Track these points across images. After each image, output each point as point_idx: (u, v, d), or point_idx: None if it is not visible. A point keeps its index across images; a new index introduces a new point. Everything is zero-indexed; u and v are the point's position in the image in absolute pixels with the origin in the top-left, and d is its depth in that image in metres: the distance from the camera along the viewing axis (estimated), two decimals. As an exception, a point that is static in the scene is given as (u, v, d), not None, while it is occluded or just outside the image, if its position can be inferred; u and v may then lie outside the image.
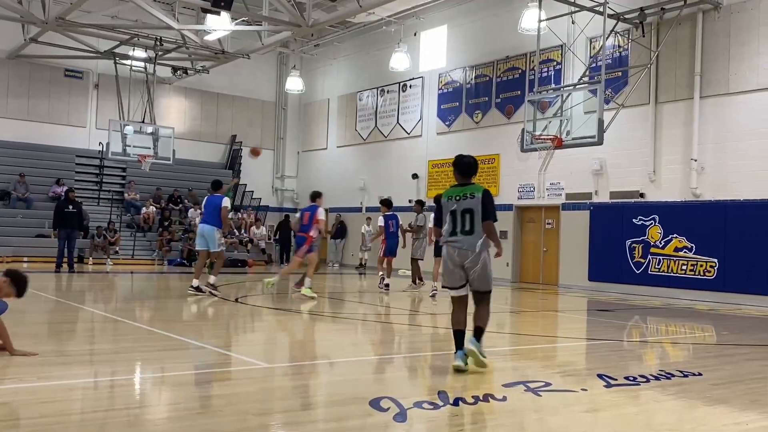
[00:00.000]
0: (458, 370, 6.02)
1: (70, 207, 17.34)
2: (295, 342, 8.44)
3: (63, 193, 19.52)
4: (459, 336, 6.27)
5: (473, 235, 6.27)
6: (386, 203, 15.19)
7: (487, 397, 5.13)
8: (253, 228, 25.08)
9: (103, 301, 12.40)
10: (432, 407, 4.78)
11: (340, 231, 25.38)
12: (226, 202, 11.76)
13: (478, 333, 6.28)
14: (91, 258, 20.75)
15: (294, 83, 25.87)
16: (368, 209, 24.14)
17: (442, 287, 7.45)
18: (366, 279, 18.55)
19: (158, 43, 21.18)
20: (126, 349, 7.19)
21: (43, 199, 22.43)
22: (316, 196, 12.65)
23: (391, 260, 14.90)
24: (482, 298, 6.46)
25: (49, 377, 5.65)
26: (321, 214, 12.30)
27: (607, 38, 16.02)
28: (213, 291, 11.96)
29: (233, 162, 27.55)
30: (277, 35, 20.68)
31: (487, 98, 20.67)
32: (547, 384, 5.70)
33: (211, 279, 12.15)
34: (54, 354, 6.84)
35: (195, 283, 11.95)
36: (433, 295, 13.44)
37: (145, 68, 22.95)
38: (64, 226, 17.08)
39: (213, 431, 4.17)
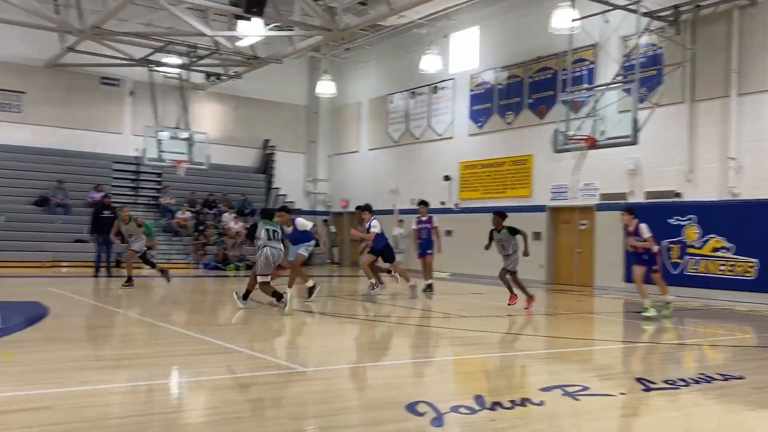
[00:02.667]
0: None
1: (107, 212, 17.64)
2: (330, 345, 8.47)
3: (100, 199, 19.87)
4: None
5: None
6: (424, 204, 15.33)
7: (524, 402, 5.10)
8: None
9: (140, 305, 12.58)
10: (469, 412, 4.77)
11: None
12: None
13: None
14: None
15: (325, 87, 26.00)
16: (401, 212, 24.15)
17: None
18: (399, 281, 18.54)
19: (192, 49, 21.46)
20: (164, 353, 7.30)
21: (81, 204, 22.86)
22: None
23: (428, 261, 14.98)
24: None
25: (89, 381, 5.77)
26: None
27: (641, 36, 15.81)
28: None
29: (266, 166, 27.80)
30: (308, 40, 20.80)
31: (519, 99, 20.54)
32: (585, 388, 5.64)
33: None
34: (94, 358, 6.98)
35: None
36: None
37: (180, 75, 23.25)
38: (101, 232, 17.38)
39: (251, 435, 4.21)
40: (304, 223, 11.73)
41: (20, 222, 21.46)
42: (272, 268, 10.91)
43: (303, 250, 11.73)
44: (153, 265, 15.34)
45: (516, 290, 12.19)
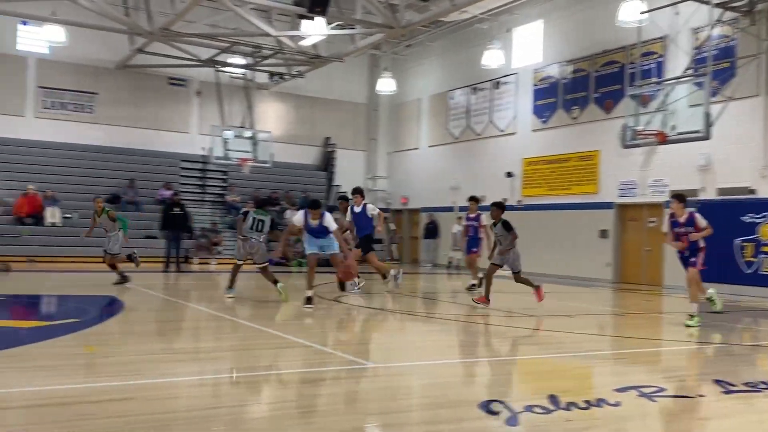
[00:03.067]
0: None
1: (176, 209, 18.11)
2: (393, 342, 8.50)
3: (169, 197, 20.42)
4: None
5: None
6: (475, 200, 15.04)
7: (600, 402, 5.01)
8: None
9: (207, 299, 12.87)
10: (543, 411, 4.71)
11: (432, 231, 25.39)
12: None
13: None
14: (196, 258, 21.60)
15: (385, 84, 26.07)
16: (461, 209, 24.03)
17: None
18: (458, 279, 18.46)
19: (256, 50, 21.81)
20: (234, 347, 7.45)
21: (151, 202, 23.53)
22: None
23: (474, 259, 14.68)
24: None
25: (167, 374, 5.94)
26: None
27: (713, 28, 15.30)
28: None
29: (327, 164, 28.06)
30: (369, 38, 20.88)
31: (585, 93, 20.15)
32: (662, 389, 5.51)
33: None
34: (170, 351, 7.18)
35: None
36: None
37: (244, 75, 23.67)
38: (170, 228, 17.85)
39: (326, 428, 4.26)
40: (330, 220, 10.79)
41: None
42: (244, 256, 11.48)
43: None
44: (130, 259, 14.60)
45: (484, 287, 11.42)
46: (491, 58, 22.09)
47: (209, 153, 22.80)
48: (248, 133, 22.91)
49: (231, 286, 11.61)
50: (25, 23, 21.33)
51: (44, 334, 7.52)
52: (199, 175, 25.50)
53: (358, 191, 13.32)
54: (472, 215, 14.64)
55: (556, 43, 21.34)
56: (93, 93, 24.03)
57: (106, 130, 24.13)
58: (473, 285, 14.34)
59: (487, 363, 7.16)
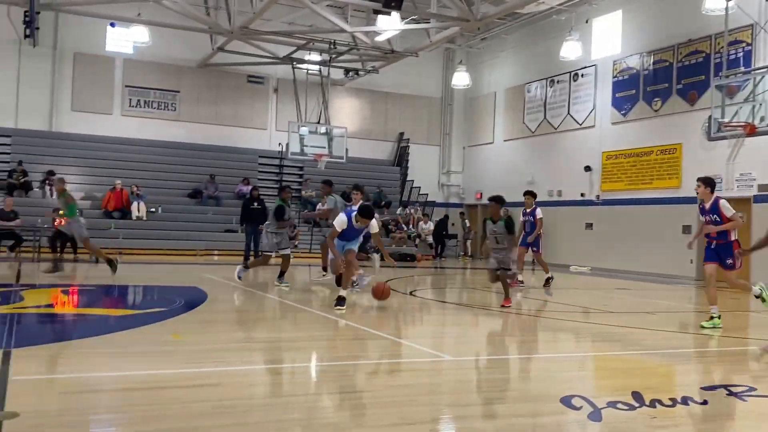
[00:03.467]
0: None
1: (255, 204, 18.52)
2: (468, 335, 8.47)
3: (248, 192, 20.92)
4: None
5: None
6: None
7: (686, 400, 4.87)
8: (421, 223, 25.46)
9: (286, 290, 13.12)
10: (627, 408, 4.62)
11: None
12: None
13: None
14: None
15: (460, 78, 25.90)
16: (538, 203, 23.64)
17: None
18: (532, 275, 18.23)
19: (332, 46, 22.08)
20: (314, 337, 7.59)
21: (230, 197, 24.19)
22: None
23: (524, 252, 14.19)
24: None
25: (251, 361, 6.13)
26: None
27: (807, 13, 14.56)
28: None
29: (401, 159, 28.13)
30: (444, 31, 20.82)
31: (667, 84, 19.50)
32: (752, 389, 5.31)
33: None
34: (253, 340, 7.38)
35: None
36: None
37: (320, 71, 24.00)
38: (250, 222, 18.29)
39: (408, 419, 4.30)
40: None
41: (175, 213, 23.02)
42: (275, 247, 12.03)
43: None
44: (55, 250, 14.15)
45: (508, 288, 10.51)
46: (569, 50, 21.67)
47: (286, 149, 23.22)
48: (323, 129, 23.22)
49: (281, 275, 12.15)
50: (113, 25, 22.22)
51: (133, 323, 7.85)
52: (275, 170, 26.03)
53: (358, 189, 12.27)
54: (528, 210, 14.23)
55: (635, 33, 20.73)
56: (175, 91, 24.85)
57: (188, 127, 24.91)
58: (549, 279, 14.15)
59: (566, 359, 7.06)
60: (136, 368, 5.45)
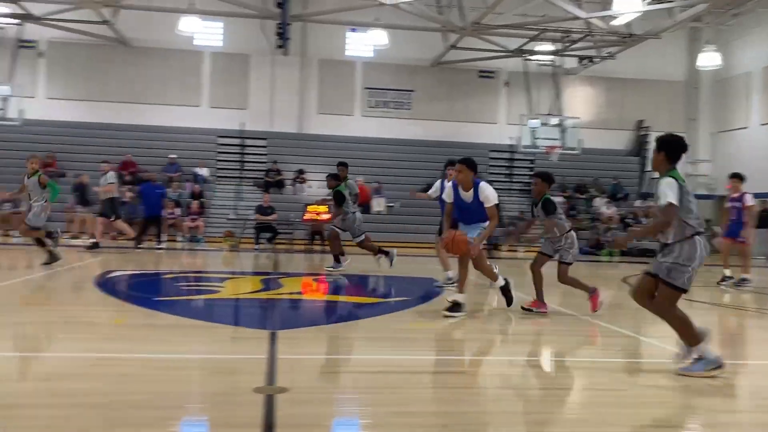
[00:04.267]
0: None
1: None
2: (719, 338, 7.81)
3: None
4: None
5: None
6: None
7: None
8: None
9: (518, 285, 13.06)
10: None
11: (766, 219, 22.64)
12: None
13: None
14: (505, 245, 22.03)
15: (708, 59, 23.86)
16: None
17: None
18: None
19: (565, 34, 21.53)
20: (551, 331, 7.49)
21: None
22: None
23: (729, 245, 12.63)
24: None
25: (489, 353, 6.22)
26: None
27: None
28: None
29: (639, 148, 26.59)
30: (690, 9, 19.34)
31: None
32: None
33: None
34: (484, 332, 7.47)
35: None
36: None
37: (552, 62, 23.53)
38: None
39: (660, 419, 4.12)
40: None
41: (411, 207, 23.96)
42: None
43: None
44: (42, 244, 11.67)
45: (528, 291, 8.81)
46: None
47: (517, 142, 23.11)
48: (555, 121, 22.74)
49: (337, 260, 12.16)
50: (354, 30, 23.71)
51: (380, 310, 8.34)
52: (506, 164, 25.98)
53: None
54: (735, 195, 12.39)
55: None
56: (410, 90, 25.86)
57: (422, 125, 25.78)
58: (744, 280, 12.17)
59: None
60: (390, 353, 5.83)
